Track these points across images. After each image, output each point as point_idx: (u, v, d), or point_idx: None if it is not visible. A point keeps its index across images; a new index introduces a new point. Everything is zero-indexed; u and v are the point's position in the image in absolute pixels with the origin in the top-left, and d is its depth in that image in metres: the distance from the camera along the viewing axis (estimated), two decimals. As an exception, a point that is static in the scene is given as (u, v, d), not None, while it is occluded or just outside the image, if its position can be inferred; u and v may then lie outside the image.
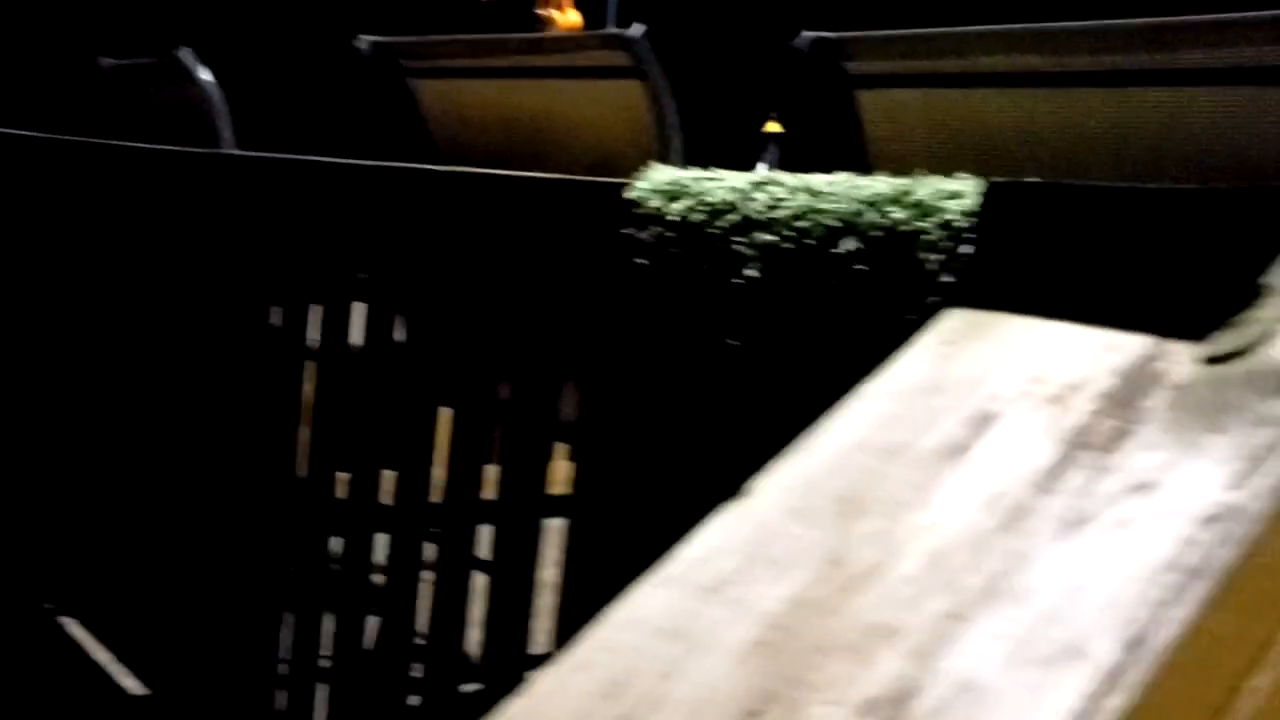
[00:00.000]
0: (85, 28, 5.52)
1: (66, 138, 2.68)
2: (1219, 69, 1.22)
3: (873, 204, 1.15)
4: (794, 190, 1.22)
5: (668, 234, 1.33)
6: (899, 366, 0.64)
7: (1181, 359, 0.54)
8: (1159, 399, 0.48)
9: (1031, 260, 0.65)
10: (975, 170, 1.48)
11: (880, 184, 1.17)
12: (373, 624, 1.70)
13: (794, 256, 1.20)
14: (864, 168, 1.58)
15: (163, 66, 2.67)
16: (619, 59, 1.62)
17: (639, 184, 1.38)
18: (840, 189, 1.19)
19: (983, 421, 0.58)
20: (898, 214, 1.12)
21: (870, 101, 1.52)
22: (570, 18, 4.67)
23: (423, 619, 1.62)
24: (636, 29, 1.59)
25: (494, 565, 1.52)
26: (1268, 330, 0.45)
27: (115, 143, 2.57)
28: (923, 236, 1.11)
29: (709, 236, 1.29)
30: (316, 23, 6.08)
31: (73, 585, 2.53)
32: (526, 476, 1.51)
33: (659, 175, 1.37)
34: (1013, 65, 1.36)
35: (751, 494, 0.57)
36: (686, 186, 1.33)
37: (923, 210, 1.11)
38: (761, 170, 4.82)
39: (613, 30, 1.62)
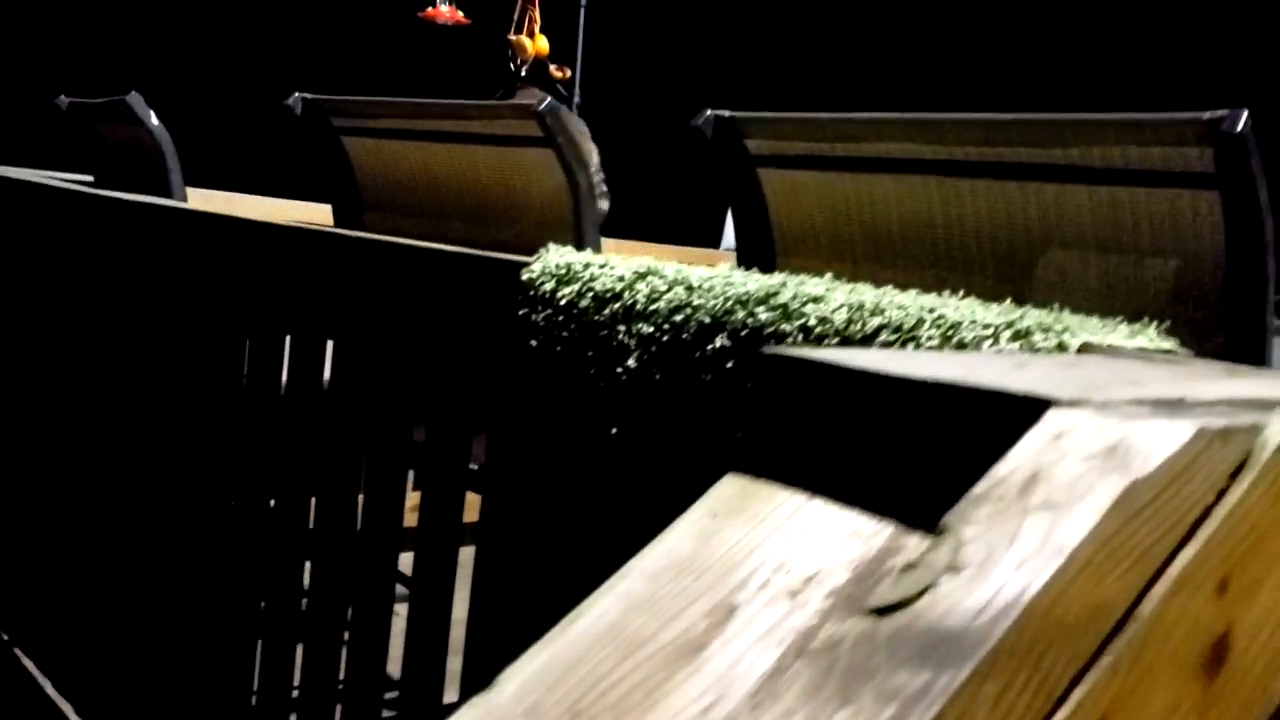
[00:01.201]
0: (49, 66, 5.55)
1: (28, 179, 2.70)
2: (1096, 167, 1.23)
3: (743, 303, 1.17)
4: (672, 283, 1.24)
5: (558, 318, 1.35)
6: (667, 538, 0.65)
7: (912, 555, 0.56)
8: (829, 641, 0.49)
9: (800, 430, 0.66)
10: (865, 253, 1.50)
11: (753, 282, 1.18)
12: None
13: (671, 350, 1.22)
14: (769, 244, 1.61)
15: (115, 108, 2.69)
16: (531, 129, 1.64)
17: (533, 266, 1.40)
18: (716, 285, 1.21)
19: (726, 614, 0.59)
20: (764, 314, 1.14)
21: (770, 180, 1.53)
22: (540, 44, 4.69)
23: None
24: (547, 102, 1.61)
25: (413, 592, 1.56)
26: (932, 581, 0.46)
27: (61, 185, 2.58)
28: (786, 340, 1.12)
29: (595, 324, 1.30)
30: (268, 71, 6.11)
31: (26, 617, 2.54)
32: (439, 512, 1.53)
33: (552, 258, 1.39)
34: (902, 152, 1.37)
35: (498, 686, 0.58)
36: (577, 272, 1.35)
37: (786, 313, 1.12)
38: (730, 223, 4.75)
39: (523, 102, 1.64)
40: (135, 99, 2.59)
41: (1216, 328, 1.20)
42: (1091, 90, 5.23)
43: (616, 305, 1.28)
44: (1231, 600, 0.55)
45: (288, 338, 1.83)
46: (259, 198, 3.19)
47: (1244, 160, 1.10)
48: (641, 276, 1.28)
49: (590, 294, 1.31)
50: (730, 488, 0.68)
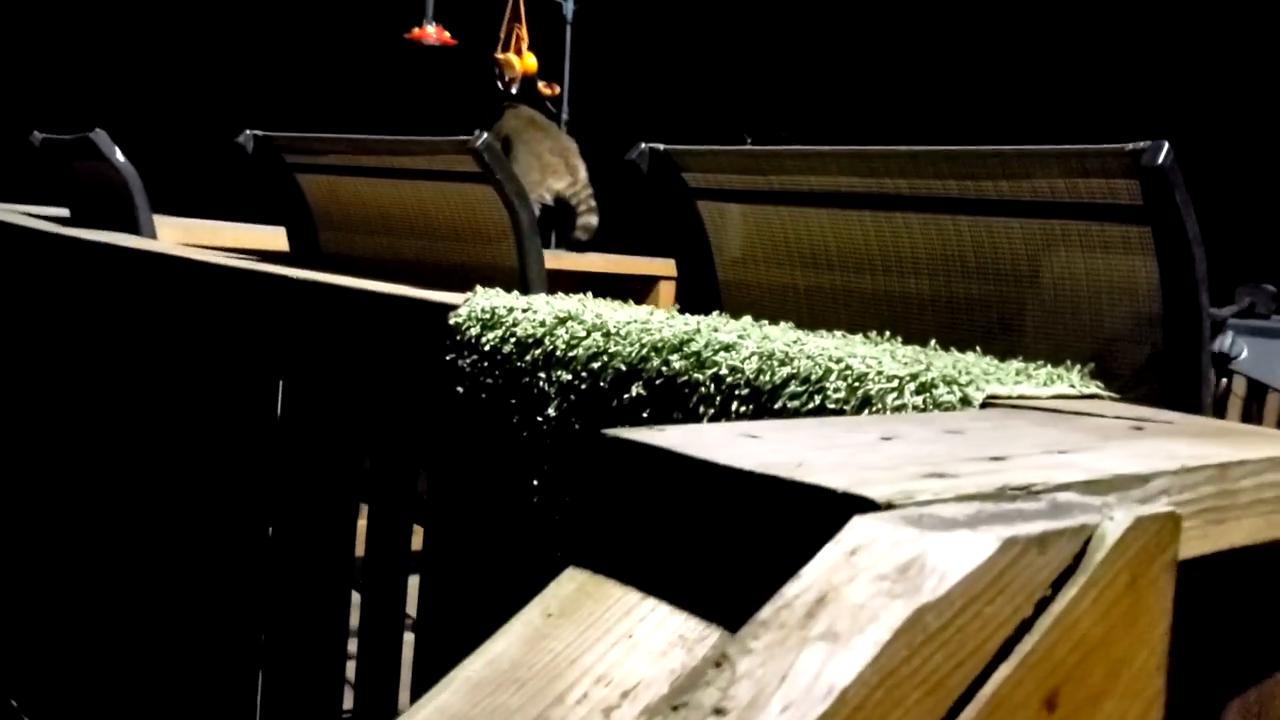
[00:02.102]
0: (24, 100, 5.58)
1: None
2: (1026, 200, 1.19)
3: (659, 350, 1.13)
4: (591, 329, 1.21)
5: (483, 364, 1.32)
6: (498, 642, 0.62)
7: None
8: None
9: (636, 520, 0.63)
10: (806, 286, 1.46)
11: (668, 329, 1.15)
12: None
13: (589, 398, 1.19)
14: (711, 277, 1.57)
15: (83, 144, 2.68)
16: (469, 164, 1.61)
17: (460, 310, 1.37)
18: (633, 331, 1.17)
19: (537, 731, 0.56)
20: (678, 363, 1.11)
21: (709, 212, 1.50)
22: (528, 62, 4.67)
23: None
24: (482, 138, 1.58)
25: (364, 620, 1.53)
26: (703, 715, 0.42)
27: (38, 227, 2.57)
28: (700, 389, 1.09)
29: (518, 370, 1.27)
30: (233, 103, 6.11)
31: (35, 682, 2.53)
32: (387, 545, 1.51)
33: (479, 301, 1.36)
34: (835, 185, 1.34)
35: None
36: (501, 316, 1.32)
37: (699, 361, 1.09)
38: None
39: (461, 138, 1.61)
40: (100, 136, 2.58)
41: (1153, 363, 1.16)
42: (1052, 119, 5.19)
43: (538, 351, 1.25)
44: (1064, 717, 0.51)
45: (240, 375, 1.81)
46: (227, 224, 3.18)
47: (1168, 194, 1.06)
48: (561, 322, 1.25)
49: (513, 339, 1.28)
50: (569, 583, 0.64)
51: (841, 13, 6.21)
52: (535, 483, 1.23)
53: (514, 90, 4.67)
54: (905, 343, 1.29)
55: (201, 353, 1.88)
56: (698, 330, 1.12)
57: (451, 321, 1.36)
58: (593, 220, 4.34)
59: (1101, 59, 5.71)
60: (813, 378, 1.00)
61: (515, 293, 1.38)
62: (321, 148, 1.95)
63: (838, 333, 1.18)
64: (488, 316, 1.33)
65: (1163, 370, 1.13)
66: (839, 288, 1.38)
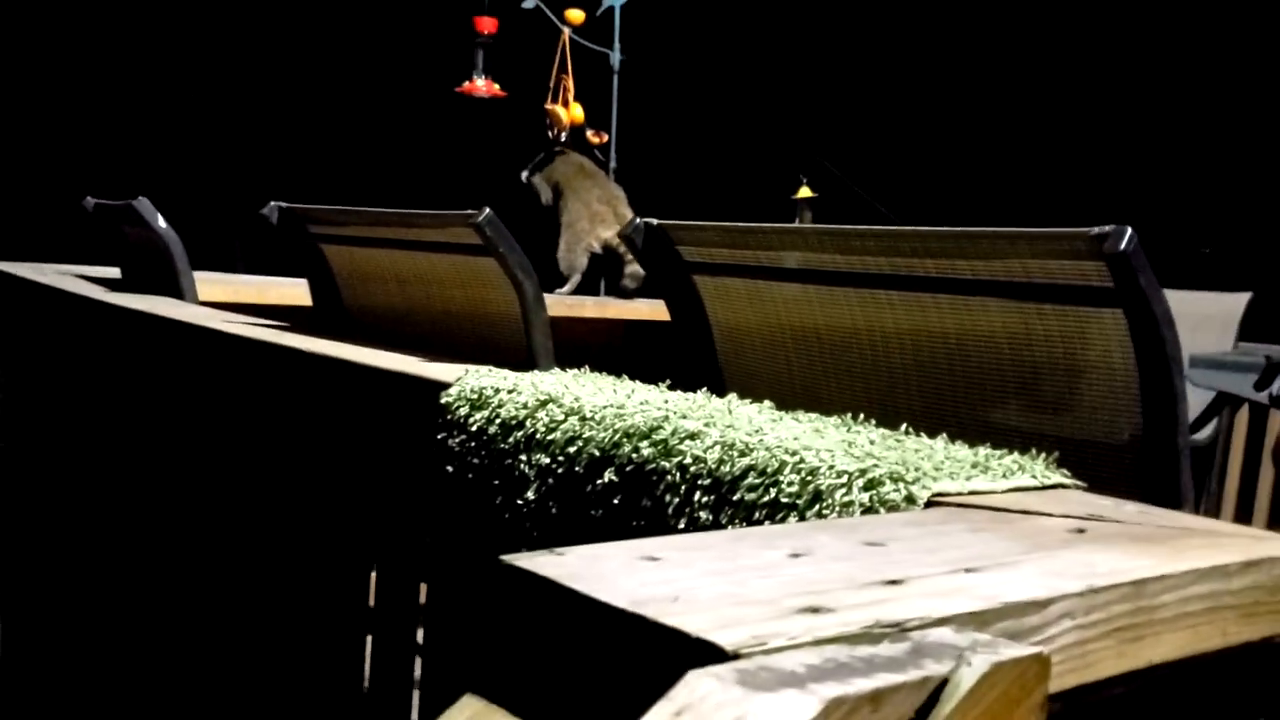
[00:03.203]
0: (77, 168, 5.79)
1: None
2: (1000, 280, 1.18)
3: (630, 436, 1.14)
4: (569, 413, 1.22)
5: (470, 444, 1.34)
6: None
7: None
8: None
9: (525, 648, 0.64)
10: (797, 359, 1.46)
11: (640, 415, 1.16)
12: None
13: (565, 482, 1.20)
14: (710, 348, 1.58)
15: (128, 210, 2.77)
16: (473, 237, 1.64)
17: (451, 390, 1.39)
18: (608, 416, 1.18)
19: None
20: (647, 450, 1.12)
21: (704, 285, 1.51)
22: (574, 112, 4.73)
23: None
24: (485, 213, 1.61)
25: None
26: None
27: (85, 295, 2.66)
28: (666, 477, 1.10)
29: (501, 451, 1.29)
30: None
31: None
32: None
33: (470, 381, 1.38)
34: (819, 263, 1.34)
35: None
36: (488, 397, 1.34)
37: (666, 449, 1.10)
38: None
39: (466, 212, 1.64)
40: (143, 204, 2.66)
41: (1130, 445, 1.14)
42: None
43: (520, 433, 1.27)
44: None
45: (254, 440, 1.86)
46: (269, 279, 3.26)
47: (1132, 279, 1.04)
48: (542, 404, 1.26)
49: (498, 420, 1.30)
50: (464, 711, 0.65)
51: (891, 56, 6.20)
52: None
53: (563, 139, 4.74)
54: (887, 419, 1.29)
55: (224, 408, 1.94)
56: (666, 418, 1.13)
57: (442, 400, 1.39)
58: (640, 269, 4.37)
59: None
60: (769, 470, 1.00)
61: (506, 372, 1.41)
62: (340, 219, 2.00)
63: (810, 416, 1.18)
64: (475, 397, 1.35)
65: (1139, 454, 1.11)
66: (827, 362, 1.38)
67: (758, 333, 1.48)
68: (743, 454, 1.04)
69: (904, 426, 1.14)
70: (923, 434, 1.13)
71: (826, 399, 1.45)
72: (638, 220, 1.53)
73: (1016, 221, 1.19)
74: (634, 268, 4.41)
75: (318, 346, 1.72)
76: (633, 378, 1.49)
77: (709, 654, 0.53)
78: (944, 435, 1.11)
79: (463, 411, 1.36)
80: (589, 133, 4.88)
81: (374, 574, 1.68)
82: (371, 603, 1.65)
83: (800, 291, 1.38)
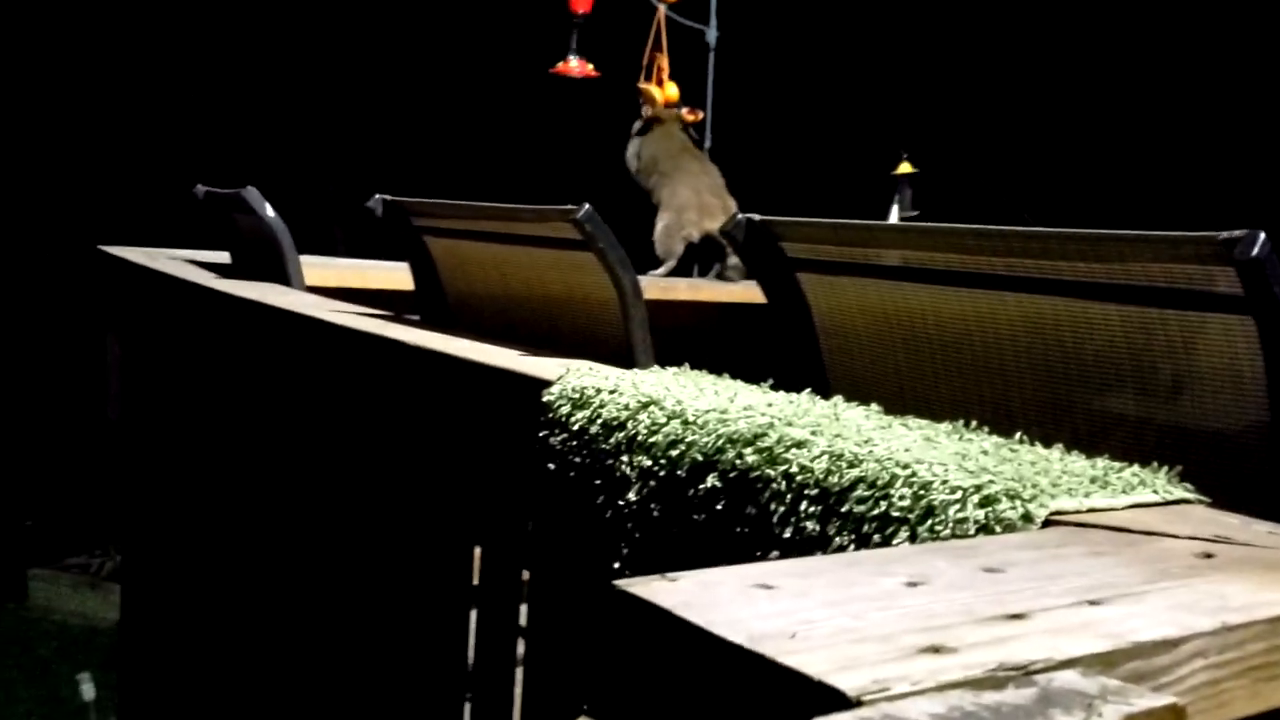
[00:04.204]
0: (188, 157, 5.93)
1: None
2: (1121, 284, 1.14)
3: (734, 442, 1.13)
4: (671, 416, 1.22)
5: (571, 443, 1.34)
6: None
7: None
8: None
9: (644, 680, 0.63)
10: (907, 360, 1.43)
11: (744, 420, 1.15)
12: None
13: (667, 485, 1.19)
14: (815, 348, 1.55)
15: (237, 199, 2.83)
16: (573, 232, 1.64)
17: (553, 388, 1.39)
18: (710, 420, 1.18)
19: None
20: (751, 457, 1.11)
21: (810, 284, 1.49)
22: (669, 91, 4.71)
23: None
24: (584, 209, 1.60)
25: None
26: None
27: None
28: (772, 485, 1.08)
29: (603, 452, 1.29)
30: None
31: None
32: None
33: (571, 380, 1.38)
34: (932, 262, 1.31)
35: None
36: (590, 397, 1.34)
37: (771, 457, 1.09)
38: (894, 213, 4.77)
39: (566, 207, 1.64)
40: (251, 193, 2.72)
41: (1258, 455, 1.10)
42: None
43: (621, 434, 1.27)
44: None
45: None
46: (373, 264, 3.30)
47: (1264, 285, 1.00)
48: (644, 406, 1.26)
49: (599, 420, 1.30)
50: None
51: (991, 35, 6.04)
52: (616, 565, 1.24)
53: (660, 119, 4.71)
54: (999, 425, 1.26)
55: (331, 393, 1.98)
56: (771, 424, 1.12)
57: (544, 399, 1.39)
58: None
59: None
60: (879, 483, 0.98)
61: (607, 372, 1.40)
62: (441, 212, 2.01)
63: (920, 423, 1.16)
64: (577, 396, 1.35)
65: (1268, 467, 1.07)
66: (938, 364, 1.35)
67: (865, 333, 1.45)
68: (851, 465, 1.02)
69: (1018, 435, 1.12)
70: (1037, 443, 1.10)
71: (936, 402, 1.42)
72: (739, 215, 1.51)
73: (1128, 214, 1.15)
74: (737, 258, 4.37)
75: (422, 339, 1.74)
76: (728, 364, 1.48)
77: (830, 699, 0.52)
78: (1059, 445, 1.08)
79: (564, 410, 1.36)
80: (684, 110, 4.84)
81: (478, 554, 1.69)
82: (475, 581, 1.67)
83: (911, 291, 1.35)
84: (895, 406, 1.34)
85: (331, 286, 3.04)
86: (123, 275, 3.24)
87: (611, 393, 1.32)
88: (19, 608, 6.85)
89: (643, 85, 4.75)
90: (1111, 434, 1.18)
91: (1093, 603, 0.68)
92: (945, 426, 1.16)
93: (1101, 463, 1.02)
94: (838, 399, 1.29)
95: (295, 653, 2.14)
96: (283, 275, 2.75)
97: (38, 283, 6.89)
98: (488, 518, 1.58)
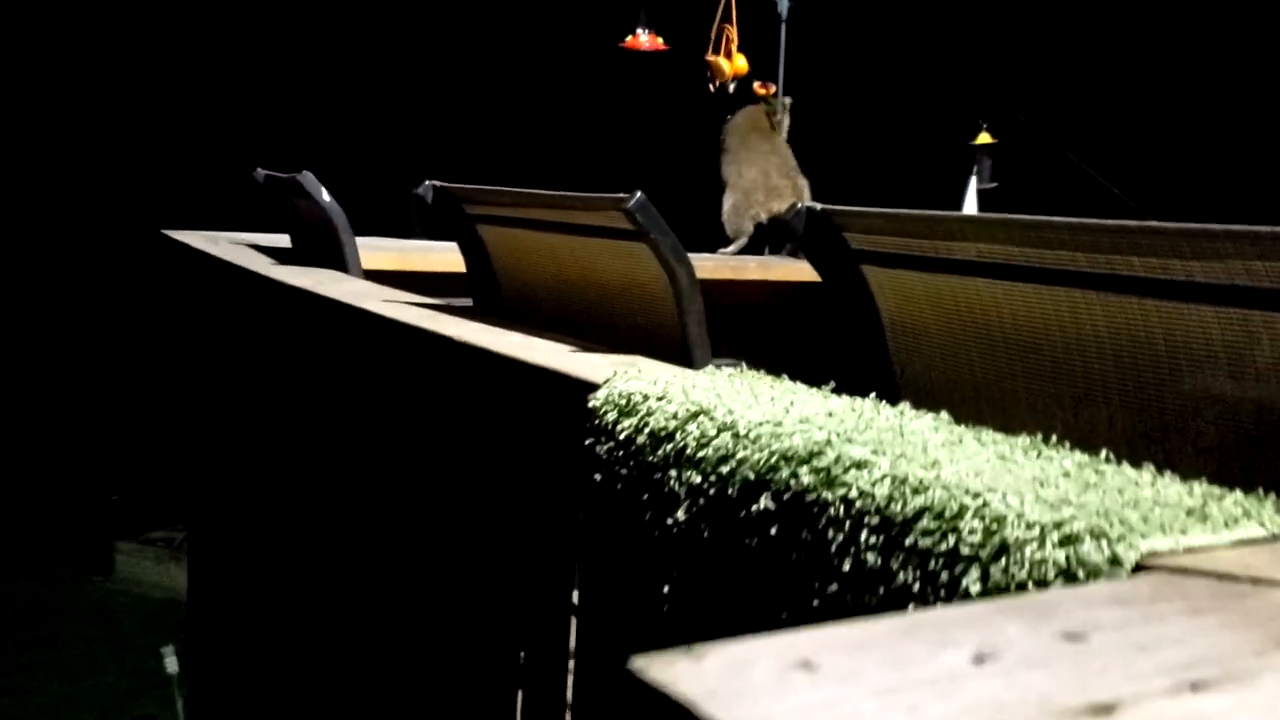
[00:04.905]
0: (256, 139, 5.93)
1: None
2: (1220, 285, 1.02)
3: (788, 459, 1.04)
4: (721, 428, 1.13)
5: (618, 453, 1.26)
6: None
7: None
8: None
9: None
10: (980, 361, 1.32)
11: (800, 435, 1.05)
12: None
13: (717, 505, 1.11)
14: (882, 346, 1.45)
15: (294, 184, 2.79)
16: (623, 221, 1.55)
17: (599, 393, 1.31)
18: (764, 434, 1.09)
19: None
20: (807, 477, 1.01)
21: (875, 277, 1.38)
22: (737, 64, 4.58)
23: None
24: (636, 197, 1.51)
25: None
26: None
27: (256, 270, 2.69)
28: (829, 510, 0.99)
29: (650, 465, 1.21)
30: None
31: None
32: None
33: (618, 385, 1.30)
34: (1006, 255, 1.20)
35: None
36: (637, 404, 1.25)
37: (829, 479, 0.99)
38: (973, 186, 4.61)
39: (617, 195, 1.56)
40: (307, 178, 2.67)
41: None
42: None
43: (669, 446, 1.18)
44: None
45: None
46: (436, 245, 3.24)
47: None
48: (693, 416, 1.17)
49: (647, 429, 1.22)
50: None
51: (1063, 7, 5.80)
52: (665, 589, 1.16)
53: (729, 91, 4.59)
54: (1081, 432, 1.15)
55: (381, 383, 1.93)
56: (828, 441, 1.02)
57: (590, 404, 1.31)
58: None
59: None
60: (947, 514, 0.89)
61: (657, 374, 1.32)
62: (493, 199, 1.94)
63: (994, 438, 1.05)
64: (624, 403, 1.27)
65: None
66: (1016, 365, 1.24)
67: (936, 331, 1.35)
68: (916, 491, 0.92)
69: (1104, 452, 1.01)
70: (1124, 462, 0.99)
71: (1013, 405, 1.31)
72: (799, 204, 1.41)
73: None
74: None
75: (469, 334, 1.67)
76: (796, 348, 1.38)
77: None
78: (1149, 465, 0.97)
79: (610, 417, 1.28)
80: (755, 84, 4.72)
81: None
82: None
83: (986, 287, 1.24)
84: (968, 411, 1.23)
85: (392, 270, 2.99)
86: (182, 260, 3.24)
87: (660, 399, 1.23)
88: (105, 580, 7.01)
89: (710, 58, 4.63)
90: (1208, 455, 1.06)
91: (1194, 686, 0.58)
92: (1022, 441, 1.05)
93: (1199, 489, 0.91)
94: (904, 407, 1.19)
95: (354, 645, 2.10)
96: (340, 261, 2.71)
97: (116, 262, 6.99)
98: (538, 507, 1.51)
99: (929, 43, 6.18)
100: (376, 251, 3.01)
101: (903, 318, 1.38)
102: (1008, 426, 1.12)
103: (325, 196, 2.65)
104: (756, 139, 4.30)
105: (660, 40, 4.71)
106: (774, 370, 1.35)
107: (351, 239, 2.71)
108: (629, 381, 1.29)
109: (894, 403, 1.20)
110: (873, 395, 1.23)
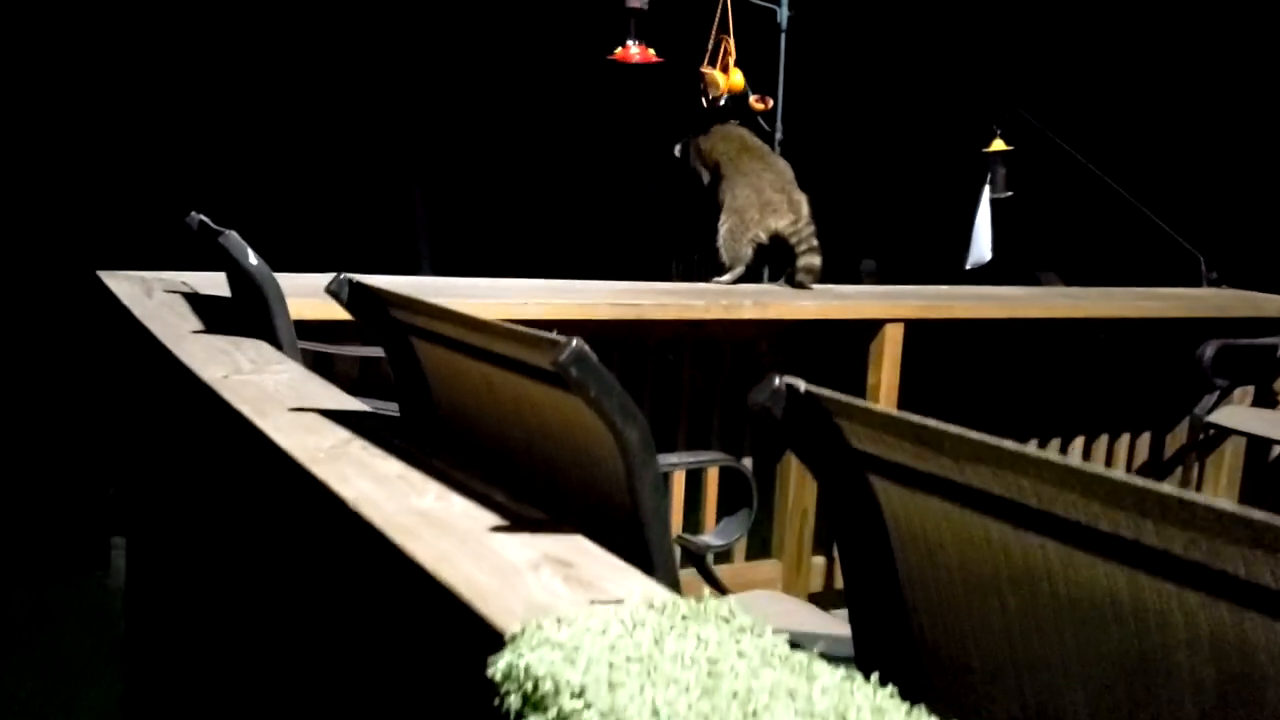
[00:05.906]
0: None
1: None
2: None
3: None
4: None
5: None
6: None
7: None
8: None
9: None
10: (1023, 634, 0.98)
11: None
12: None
13: None
14: (896, 593, 1.10)
15: (219, 248, 2.46)
16: (545, 362, 1.21)
17: (499, 662, 0.97)
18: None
19: None
20: None
21: (887, 494, 1.04)
22: (734, 79, 4.24)
23: None
24: (570, 347, 1.17)
25: None
26: None
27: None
28: None
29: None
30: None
31: None
32: None
33: (522, 660, 0.96)
34: (1064, 509, 0.86)
35: None
36: (546, 698, 0.92)
37: None
38: (986, 196, 4.21)
39: (552, 337, 1.20)
40: (231, 239, 2.33)
41: None
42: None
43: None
44: None
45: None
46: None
47: None
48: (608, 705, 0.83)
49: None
50: None
51: (1075, 11, 5.44)
52: None
53: (721, 104, 4.25)
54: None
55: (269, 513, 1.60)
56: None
57: (488, 673, 0.97)
58: (815, 261, 3.91)
59: None
60: None
61: (580, 627, 0.97)
62: (424, 310, 1.60)
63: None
64: (531, 688, 0.93)
65: None
66: (1073, 658, 0.91)
67: (962, 583, 1.00)
68: None
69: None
70: None
71: (1056, 673, 0.97)
72: (776, 380, 1.07)
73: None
74: (808, 259, 3.96)
75: (360, 494, 1.33)
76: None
77: None
78: None
79: (513, 704, 0.94)
80: (752, 98, 4.39)
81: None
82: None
83: (1027, 542, 0.90)
84: (1005, 678, 0.90)
85: (323, 319, 2.68)
86: (108, 308, 2.92)
87: (576, 696, 0.89)
88: (104, 576, 6.71)
89: (705, 69, 4.29)
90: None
91: None
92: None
93: None
94: (888, 693, 0.84)
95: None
96: (270, 332, 2.37)
97: (114, 261, 6.70)
98: None
99: (937, 46, 5.82)
100: (309, 299, 2.67)
101: (919, 553, 1.04)
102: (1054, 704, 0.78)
103: (252, 260, 2.31)
104: (748, 159, 4.00)
105: (652, 52, 4.36)
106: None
107: (283, 307, 2.37)
108: (538, 650, 0.95)
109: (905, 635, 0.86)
110: (841, 676, 0.88)
